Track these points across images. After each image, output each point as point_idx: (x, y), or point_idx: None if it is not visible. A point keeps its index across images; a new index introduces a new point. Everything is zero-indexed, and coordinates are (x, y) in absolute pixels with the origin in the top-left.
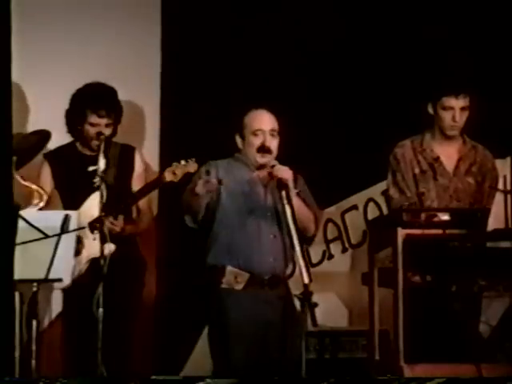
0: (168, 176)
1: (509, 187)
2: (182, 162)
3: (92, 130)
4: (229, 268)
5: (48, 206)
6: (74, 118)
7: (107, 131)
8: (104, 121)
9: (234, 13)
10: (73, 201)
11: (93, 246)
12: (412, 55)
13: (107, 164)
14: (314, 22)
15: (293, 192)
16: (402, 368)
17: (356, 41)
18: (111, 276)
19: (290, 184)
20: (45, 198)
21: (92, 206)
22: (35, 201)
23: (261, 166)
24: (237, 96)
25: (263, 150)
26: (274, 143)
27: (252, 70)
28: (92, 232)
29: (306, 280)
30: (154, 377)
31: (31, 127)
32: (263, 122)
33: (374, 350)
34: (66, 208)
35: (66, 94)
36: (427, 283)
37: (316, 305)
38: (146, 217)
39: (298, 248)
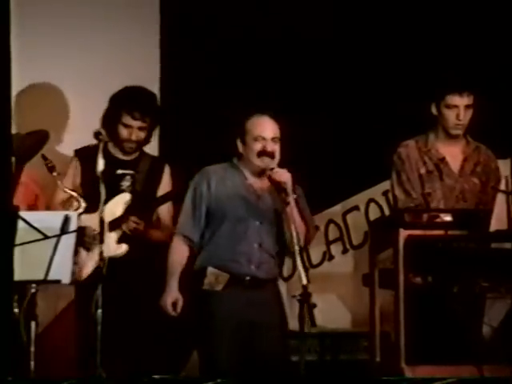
0: None
1: (510, 188)
2: None
3: (124, 132)
4: (210, 269)
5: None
6: (109, 117)
7: (141, 135)
8: (138, 123)
9: (234, 14)
10: (95, 201)
11: (109, 245)
12: (414, 54)
13: (137, 170)
14: (315, 22)
15: (291, 196)
16: (403, 369)
17: (358, 40)
18: (125, 277)
19: (289, 187)
20: (83, 204)
21: (116, 205)
22: (74, 207)
23: (262, 171)
24: (237, 99)
25: (264, 154)
26: (276, 148)
27: (253, 72)
28: (111, 231)
29: (304, 281)
30: (158, 377)
31: (31, 128)
32: (265, 130)
33: (375, 351)
34: (86, 207)
35: (65, 96)
36: (428, 284)
37: (315, 306)
38: (167, 228)
39: (296, 249)
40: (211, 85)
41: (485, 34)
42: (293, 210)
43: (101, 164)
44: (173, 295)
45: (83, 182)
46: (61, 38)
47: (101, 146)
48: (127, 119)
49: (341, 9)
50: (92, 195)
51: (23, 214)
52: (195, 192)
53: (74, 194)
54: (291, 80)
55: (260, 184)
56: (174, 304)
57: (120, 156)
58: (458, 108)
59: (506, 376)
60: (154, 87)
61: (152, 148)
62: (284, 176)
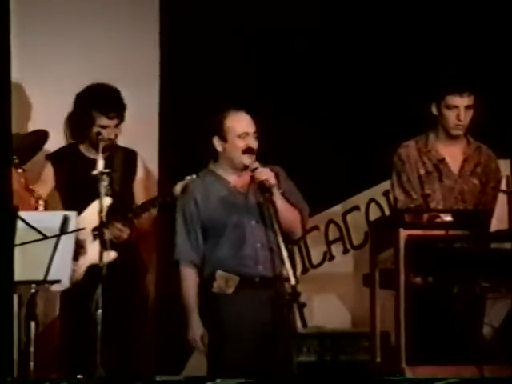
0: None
1: (511, 188)
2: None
3: (102, 132)
4: (219, 272)
5: (47, 206)
6: (80, 120)
7: (116, 131)
8: (114, 122)
9: (233, 12)
10: (73, 203)
11: (95, 252)
12: (414, 54)
13: (112, 169)
14: (315, 22)
15: (277, 194)
16: (403, 370)
17: (360, 41)
18: (112, 280)
19: (273, 185)
20: (41, 208)
21: (96, 211)
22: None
23: (244, 168)
24: (237, 98)
25: (249, 151)
26: (256, 145)
27: (254, 71)
28: (95, 238)
29: (293, 281)
30: (158, 377)
31: (31, 128)
32: (247, 125)
33: (376, 351)
34: (66, 210)
35: (65, 95)
36: (429, 284)
37: (304, 305)
38: (147, 222)
39: (283, 250)
40: (211, 83)
41: (485, 33)
42: (279, 206)
43: (100, 164)
44: (199, 331)
45: (57, 185)
46: (60, 37)
47: (101, 145)
48: (103, 120)
49: (341, 8)
50: (69, 198)
51: (22, 214)
52: (184, 214)
53: (34, 194)
54: (292, 80)
55: (241, 182)
56: (202, 338)
57: (92, 156)
58: (459, 108)
59: (507, 376)
60: (154, 86)
61: (151, 148)
62: (268, 175)
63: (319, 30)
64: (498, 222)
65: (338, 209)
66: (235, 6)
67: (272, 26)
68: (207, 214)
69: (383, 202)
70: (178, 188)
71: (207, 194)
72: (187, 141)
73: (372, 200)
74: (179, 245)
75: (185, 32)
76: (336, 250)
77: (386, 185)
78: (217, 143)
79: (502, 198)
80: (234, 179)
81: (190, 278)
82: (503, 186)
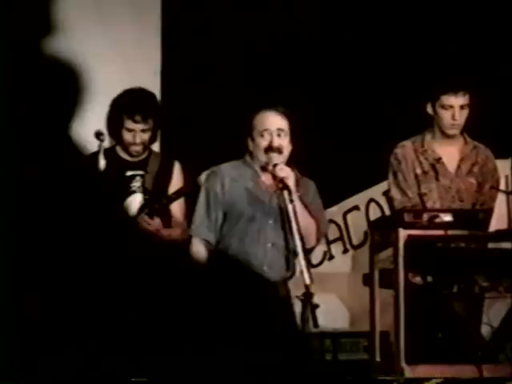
0: None
1: (510, 188)
2: None
3: (128, 136)
4: None
5: None
6: (112, 122)
7: (145, 136)
8: (140, 126)
9: (234, 10)
10: None
11: None
12: (411, 54)
13: (146, 171)
14: (314, 21)
15: (295, 194)
16: (403, 369)
17: (355, 41)
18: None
19: (292, 184)
20: None
21: (129, 206)
22: None
23: (266, 165)
24: (239, 96)
25: (271, 149)
26: (283, 143)
27: (253, 71)
28: None
29: (308, 281)
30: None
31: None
32: (269, 122)
33: (375, 351)
34: None
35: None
36: (428, 284)
37: (317, 306)
38: (181, 225)
39: (299, 249)
40: (212, 84)
41: (482, 31)
42: (297, 209)
43: (102, 164)
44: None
45: None
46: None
47: (102, 146)
48: (129, 123)
49: (341, 10)
50: None
51: None
52: (209, 194)
53: None
54: (291, 81)
55: (272, 181)
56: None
57: (128, 158)
58: (454, 108)
59: (506, 376)
60: (155, 87)
61: (154, 149)
62: (285, 172)
63: (316, 31)
64: (497, 222)
65: (337, 208)
66: (237, 9)
67: (272, 27)
68: (229, 199)
69: (383, 201)
70: (203, 177)
71: (236, 181)
72: (189, 142)
73: (372, 200)
74: (198, 223)
75: (186, 33)
76: (336, 249)
77: (385, 185)
78: (249, 143)
79: (501, 198)
80: (266, 177)
81: (201, 253)
82: (502, 186)
